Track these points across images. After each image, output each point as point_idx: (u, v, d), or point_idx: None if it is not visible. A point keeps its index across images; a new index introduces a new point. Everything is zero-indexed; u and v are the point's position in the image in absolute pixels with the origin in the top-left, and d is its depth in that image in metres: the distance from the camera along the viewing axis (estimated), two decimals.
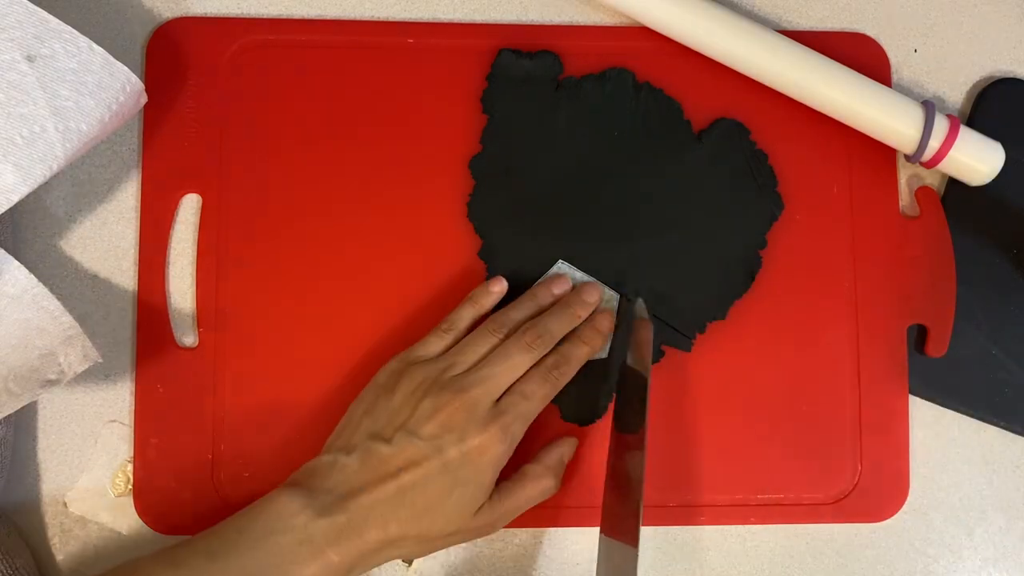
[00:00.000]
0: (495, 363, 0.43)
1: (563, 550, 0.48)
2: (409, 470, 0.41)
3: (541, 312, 0.46)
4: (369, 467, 0.41)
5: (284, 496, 0.40)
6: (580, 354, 0.45)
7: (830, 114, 0.48)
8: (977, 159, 0.47)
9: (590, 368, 0.47)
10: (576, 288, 0.47)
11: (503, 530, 0.47)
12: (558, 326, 0.45)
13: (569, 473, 0.47)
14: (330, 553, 0.39)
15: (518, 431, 0.42)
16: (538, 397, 0.43)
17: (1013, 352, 0.50)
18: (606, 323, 0.47)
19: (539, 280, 0.47)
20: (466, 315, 0.46)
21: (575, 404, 0.47)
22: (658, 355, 0.48)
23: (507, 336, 0.44)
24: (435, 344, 0.45)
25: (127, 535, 0.46)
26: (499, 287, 0.46)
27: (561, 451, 0.46)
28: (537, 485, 0.44)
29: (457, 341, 0.45)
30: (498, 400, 0.42)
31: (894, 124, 0.47)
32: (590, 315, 0.46)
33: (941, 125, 0.47)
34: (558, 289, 0.47)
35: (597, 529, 0.47)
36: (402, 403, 0.42)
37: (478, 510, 0.42)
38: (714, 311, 0.49)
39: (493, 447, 0.41)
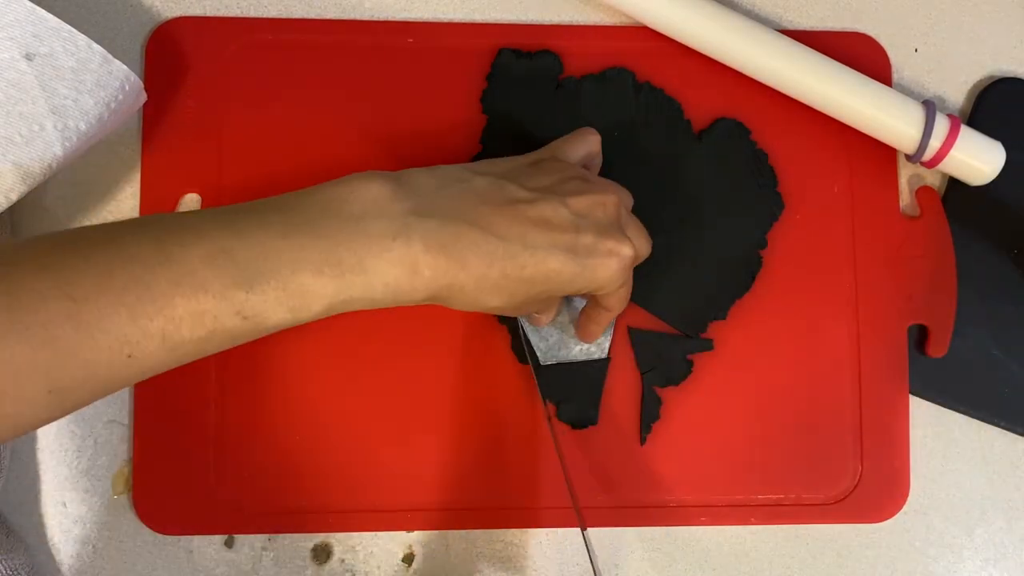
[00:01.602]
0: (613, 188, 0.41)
1: (563, 550, 0.48)
2: (540, 228, 0.37)
3: None
4: (497, 192, 0.37)
5: (378, 181, 0.36)
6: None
7: (830, 114, 0.48)
8: (978, 159, 0.47)
9: (590, 368, 0.47)
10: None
11: (503, 530, 0.47)
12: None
13: (568, 474, 0.47)
14: (422, 264, 0.35)
15: (628, 258, 0.39)
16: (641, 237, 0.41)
17: (1013, 352, 0.50)
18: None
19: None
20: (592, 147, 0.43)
21: (575, 407, 0.47)
22: (688, 367, 0.48)
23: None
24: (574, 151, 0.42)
25: (126, 535, 0.46)
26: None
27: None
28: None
29: None
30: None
31: (895, 124, 0.47)
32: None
33: (942, 125, 0.47)
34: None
35: (595, 529, 0.48)
36: (555, 171, 0.39)
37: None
38: (714, 311, 0.49)
39: (626, 258, 0.39)
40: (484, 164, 0.40)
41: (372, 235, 0.34)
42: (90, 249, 0.32)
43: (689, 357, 0.48)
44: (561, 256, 0.37)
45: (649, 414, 0.48)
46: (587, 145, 0.43)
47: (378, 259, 0.34)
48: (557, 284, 0.38)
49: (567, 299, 0.48)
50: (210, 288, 0.32)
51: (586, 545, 0.44)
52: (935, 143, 0.47)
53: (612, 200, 0.39)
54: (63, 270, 0.31)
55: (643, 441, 0.48)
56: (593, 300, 0.43)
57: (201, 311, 0.32)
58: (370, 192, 0.36)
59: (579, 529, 0.48)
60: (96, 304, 0.31)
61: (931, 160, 0.47)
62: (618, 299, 0.42)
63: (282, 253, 0.33)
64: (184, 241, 0.33)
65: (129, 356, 0.32)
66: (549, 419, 0.47)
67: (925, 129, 0.47)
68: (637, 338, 0.48)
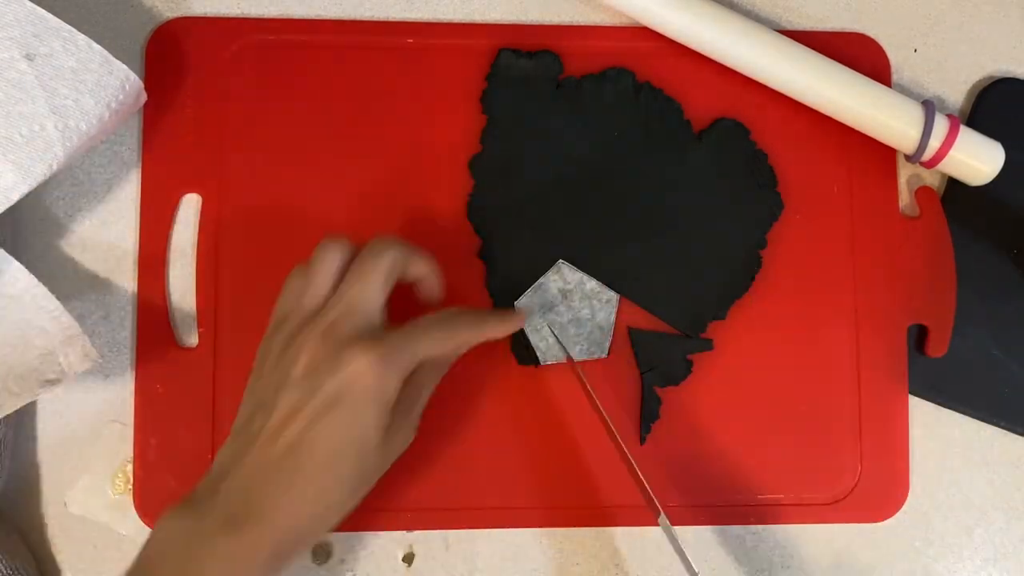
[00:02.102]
0: (352, 284, 0.39)
1: (563, 550, 0.48)
2: (290, 425, 0.37)
3: None
4: (251, 441, 0.37)
5: (163, 519, 0.37)
6: (487, 322, 0.43)
7: (830, 114, 0.48)
8: (977, 159, 0.47)
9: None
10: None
11: (503, 530, 0.47)
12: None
13: (568, 474, 0.47)
14: (241, 556, 0.35)
15: (404, 361, 0.38)
16: (427, 331, 0.40)
17: (1013, 352, 0.50)
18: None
19: (535, 284, 0.47)
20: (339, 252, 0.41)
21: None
22: (688, 367, 0.48)
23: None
24: (290, 292, 0.41)
25: (127, 535, 0.46)
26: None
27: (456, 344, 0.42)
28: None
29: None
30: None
31: (894, 124, 0.47)
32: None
33: (941, 125, 0.47)
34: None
35: (595, 529, 0.48)
36: (274, 362, 0.39)
37: (378, 449, 0.38)
38: (714, 311, 0.49)
39: (377, 372, 0.37)
40: (239, 413, 0.40)
41: (183, 566, 0.35)
42: None
43: (689, 357, 0.48)
44: (323, 426, 0.37)
45: (649, 414, 0.48)
46: (302, 280, 0.41)
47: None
48: (359, 435, 0.37)
49: (566, 298, 0.48)
50: None
51: (670, 538, 0.43)
52: (934, 143, 0.47)
53: (317, 338, 0.38)
54: None
55: (643, 441, 0.48)
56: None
57: None
58: (168, 534, 0.36)
59: (578, 529, 0.48)
60: None
61: (930, 160, 0.47)
62: (429, 345, 0.40)
63: None
64: None
65: None
66: (606, 421, 0.46)
67: (924, 129, 0.47)
68: (637, 338, 0.48)
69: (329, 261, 0.40)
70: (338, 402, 0.37)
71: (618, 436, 0.46)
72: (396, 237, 0.41)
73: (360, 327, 0.38)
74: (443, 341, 0.40)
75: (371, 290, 0.39)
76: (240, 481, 0.37)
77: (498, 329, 0.44)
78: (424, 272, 0.42)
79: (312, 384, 0.37)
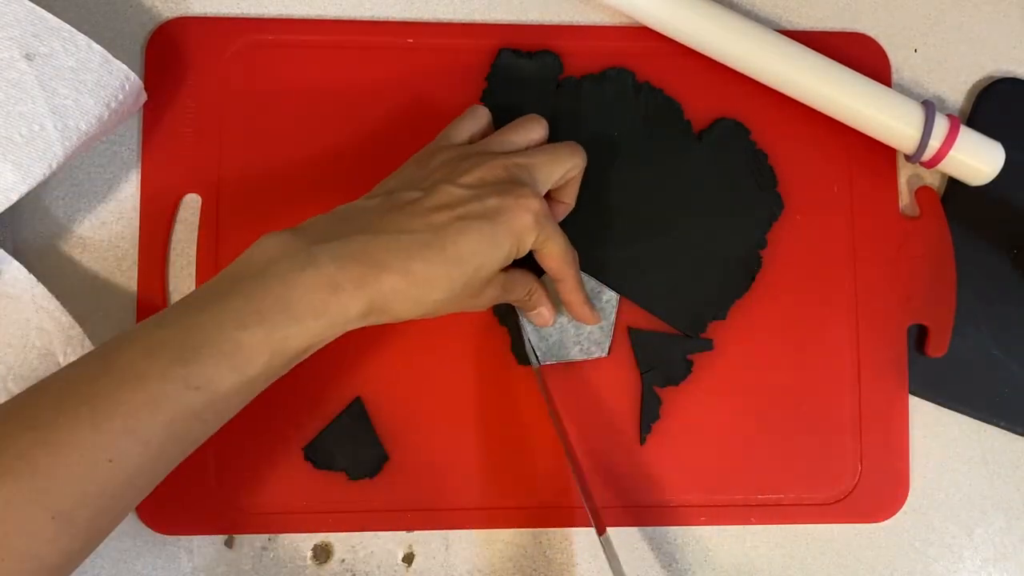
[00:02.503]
0: (543, 149, 0.43)
1: (563, 550, 0.48)
2: (442, 211, 0.38)
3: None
4: (391, 203, 0.39)
5: (275, 235, 0.37)
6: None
7: (830, 114, 0.48)
8: (977, 159, 0.47)
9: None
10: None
11: (503, 530, 0.47)
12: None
13: (568, 474, 0.47)
14: (340, 279, 0.36)
15: (546, 212, 0.41)
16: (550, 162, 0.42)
17: (1013, 352, 0.50)
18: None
19: None
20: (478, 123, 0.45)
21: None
22: (688, 366, 0.48)
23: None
24: (464, 126, 0.44)
25: (127, 535, 0.46)
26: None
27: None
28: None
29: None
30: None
31: (894, 124, 0.47)
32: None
33: (941, 125, 0.47)
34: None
35: (594, 529, 0.48)
36: (440, 165, 0.41)
37: (480, 288, 0.40)
38: (714, 311, 0.49)
39: (535, 204, 0.39)
40: (377, 187, 0.42)
41: (282, 274, 0.35)
42: (48, 383, 0.35)
43: (689, 357, 0.48)
44: (471, 225, 0.38)
45: (649, 414, 0.48)
46: (474, 122, 0.44)
47: (294, 291, 0.35)
48: (486, 256, 0.39)
49: None
50: (151, 374, 0.34)
51: (604, 550, 0.44)
52: (935, 143, 0.47)
53: (499, 163, 0.40)
54: (24, 407, 0.34)
55: (643, 441, 0.48)
56: (548, 275, 0.44)
57: (151, 397, 0.34)
58: (270, 244, 0.37)
59: (578, 529, 0.48)
60: (56, 426, 0.33)
61: (931, 160, 0.47)
62: (558, 257, 0.42)
63: (206, 324, 0.35)
64: (121, 347, 0.35)
65: (110, 461, 0.33)
66: (557, 422, 0.47)
67: (925, 129, 0.47)
68: (637, 338, 0.48)
69: (529, 128, 0.43)
70: (495, 218, 0.39)
71: (567, 443, 0.46)
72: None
73: (531, 185, 0.41)
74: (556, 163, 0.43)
75: (552, 170, 0.42)
76: (368, 231, 0.37)
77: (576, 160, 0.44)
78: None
79: (480, 192, 0.39)
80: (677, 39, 0.48)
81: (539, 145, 0.44)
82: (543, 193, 0.42)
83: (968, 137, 0.47)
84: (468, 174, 0.40)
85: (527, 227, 0.40)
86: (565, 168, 0.43)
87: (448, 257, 0.38)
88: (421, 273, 0.37)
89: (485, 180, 0.40)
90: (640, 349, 0.48)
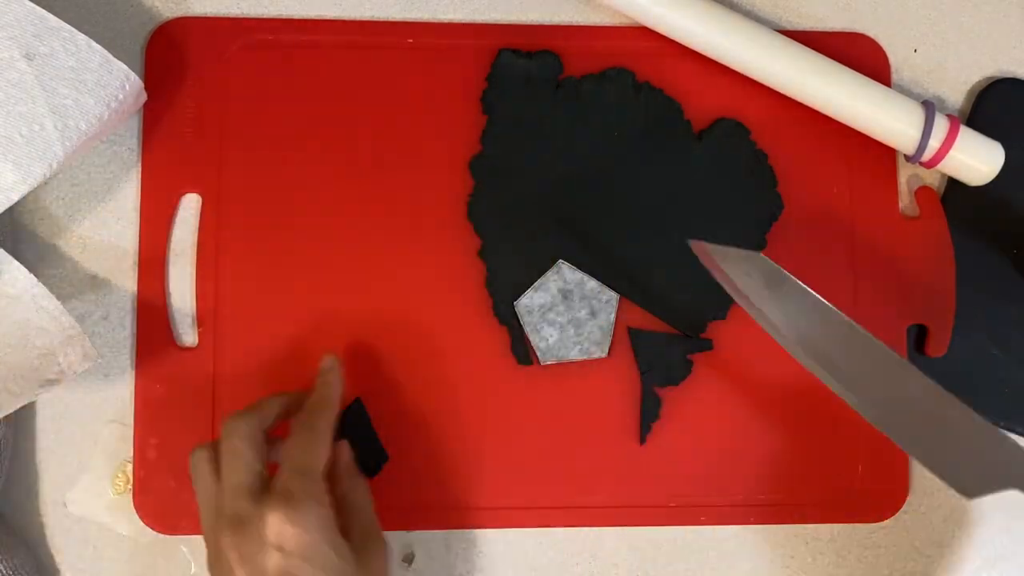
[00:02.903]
0: (225, 470, 0.39)
1: (563, 550, 0.48)
2: None
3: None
4: None
5: None
6: (321, 394, 0.42)
7: (830, 114, 0.48)
8: (977, 159, 0.47)
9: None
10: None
11: (503, 530, 0.47)
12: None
13: (568, 473, 0.47)
14: None
15: (305, 486, 0.37)
16: (299, 450, 0.39)
17: (1013, 352, 0.50)
18: (329, 361, 0.44)
19: (535, 284, 0.47)
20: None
21: None
22: (688, 366, 0.48)
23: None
24: (202, 491, 0.40)
25: (127, 535, 0.46)
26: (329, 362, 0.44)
27: (343, 463, 0.42)
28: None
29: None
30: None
31: (894, 124, 0.47)
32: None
33: (941, 125, 0.47)
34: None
35: (595, 529, 0.48)
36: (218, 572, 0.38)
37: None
38: (714, 311, 0.49)
39: (292, 515, 0.36)
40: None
41: None
42: None
43: (689, 357, 0.48)
44: None
45: (649, 414, 0.48)
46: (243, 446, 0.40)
47: None
48: (333, 569, 0.36)
49: (566, 298, 0.48)
50: None
51: None
52: (934, 143, 0.47)
53: (233, 516, 0.37)
54: None
55: (643, 441, 0.48)
56: None
57: None
58: None
59: (578, 528, 0.48)
60: None
61: (930, 160, 0.47)
62: (309, 459, 0.39)
63: None
64: None
65: None
66: None
67: (924, 129, 0.47)
68: (637, 338, 0.48)
69: (200, 469, 0.39)
70: (291, 566, 0.36)
71: None
72: (242, 413, 0.41)
73: (254, 498, 0.37)
74: (314, 444, 0.40)
75: (244, 464, 0.38)
76: None
77: (329, 392, 0.43)
78: (286, 403, 0.43)
79: (257, 571, 0.36)
80: (677, 39, 0.48)
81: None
82: (259, 478, 0.38)
83: (968, 137, 0.47)
84: (236, 564, 0.36)
85: (301, 531, 0.36)
86: (242, 459, 0.38)
87: None
88: None
89: (243, 551, 0.36)
90: (640, 349, 0.48)
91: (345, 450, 0.43)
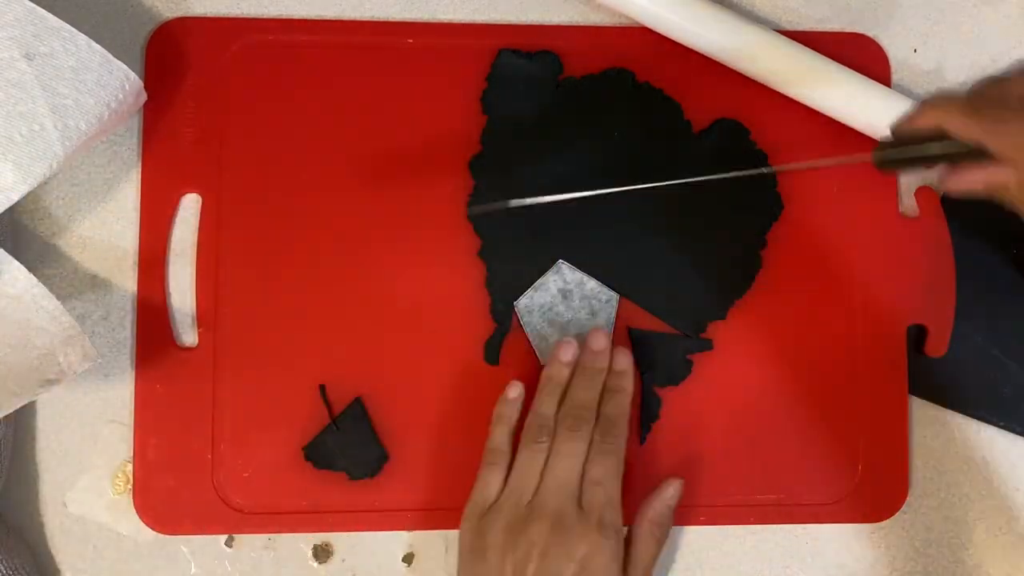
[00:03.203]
0: (554, 468, 0.42)
1: None
2: None
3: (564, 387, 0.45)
4: None
5: None
6: (620, 407, 0.45)
7: (830, 114, 0.48)
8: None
9: None
10: (584, 345, 0.46)
11: None
12: (588, 395, 0.44)
13: None
14: None
15: (612, 518, 0.42)
16: (609, 475, 0.42)
17: (1013, 352, 0.50)
18: (623, 360, 0.46)
19: (535, 284, 0.47)
20: (503, 437, 0.45)
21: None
22: (688, 366, 0.48)
23: (551, 435, 0.43)
24: (492, 482, 0.44)
25: (127, 535, 0.46)
26: (516, 392, 0.46)
27: (663, 499, 0.45)
28: (647, 547, 0.43)
29: (509, 466, 0.44)
30: (580, 499, 0.42)
31: None
32: (612, 363, 0.46)
33: None
34: (568, 356, 0.45)
35: None
36: (498, 561, 0.41)
37: None
38: (714, 311, 0.49)
39: (599, 547, 0.40)
40: None
41: None
42: None
43: (689, 357, 0.48)
44: None
45: (649, 414, 0.48)
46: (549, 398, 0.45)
47: None
48: None
49: (566, 298, 0.48)
50: None
51: None
52: None
53: (548, 523, 0.41)
54: None
55: (643, 440, 0.48)
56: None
57: None
58: None
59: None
60: None
61: None
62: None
63: None
64: None
65: None
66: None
67: None
68: (637, 338, 0.48)
69: (537, 459, 0.43)
70: None
71: None
72: (587, 399, 0.44)
73: (576, 503, 0.41)
74: (619, 469, 0.43)
75: (578, 466, 0.43)
76: None
77: (627, 404, 0.45)
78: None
79: (552, 572, 0.40)
80: (677, 39, 0.48)
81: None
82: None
83: None
84: (530, 562, 0.40)
85: (607, 563, 0.41)
86: (581, 460, 0.43)
87: None
88: None
89: (546, 554, 0.40)
90: (640, 349, 0.48)
91: (672, 495, 0.45)
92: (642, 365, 0.48)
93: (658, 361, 0.48)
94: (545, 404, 0.44)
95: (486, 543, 0.41)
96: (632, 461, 0.48)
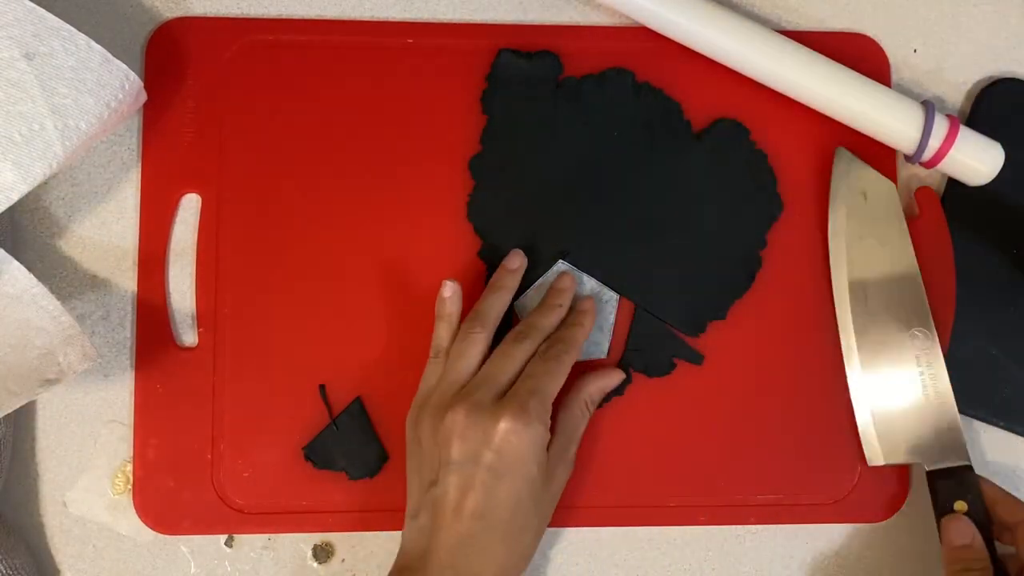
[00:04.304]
0: (488, 365, 0.43)
1: (563, 550, 0.48)
2: (468, 496, 0.40)
3: None
4: (436, 515, 0.41)
5: None
6: (571, 333, 0.45)
7: (830, 114, 0.48)
8: (977, 159, 0.47)
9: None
10: (551, 285, 0.47)
11: None
12: (542, 320, 0.45)
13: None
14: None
15: (537, 408, 0.42)
16: (544, 374, 0.43)
17: (1013, 352, 0.50)
18: (587, 303, 0.47)
19: (534, 284, 0.47)
20: (444, 333, 0.45)
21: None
22: (669, 367, 0.48)
23: (486, 329, 0.44)
24: (430, 376, 0.45)
25: (126, 535, 0.46)
26: (449, 291, 0.45)
27: (602, 382, 0.46)
28: (572, 418, 0.45)
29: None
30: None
31: (894, 124, 0.47)
32: (576, 303, 0.47)
33: (941, 125, 0.47)
34: (514, 264, 0.46)
35: (595, 529, 0.48)
36: (430, 443, 0.42)
37: (545, 489, 0.42)
38: (714, 311, 0.49)
39: (520, 429, 0.40)
40: (409, 476, 0.44)
41: None
42: None
43: (675, 360, 0.48)
44: (501, 487, 0.41)
45: (615, 389, 0.47)
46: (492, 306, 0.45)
47: None
48: (536, 484, 0.42)
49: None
50: None
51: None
52: (934, 143, 0.47)
53: (470, 406, 0.41)
54: None
55: (599, 406, 0.47)
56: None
57: None
58: None
59: (579, 528, 0.48)
60: None
61: (930, 160, 0.47)
62: (548, 383, 0.43)
63: None
64: None
65: None
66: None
67: (924, 129, 0.47)
68: (640, 318, 0.48)
69: (475, 353, 0.44)
70: (501, 467, 0.41)
71: None
72: (541, 322, 0.45)
73: (498, 396, 0.42)
74: (557, 375, 0.43)
75: (510, 369, 0.43)
76: (443, 557, 0.40)
77: (580, 336, 0.46)
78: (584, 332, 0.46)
79: (472, 459, 0.41)
80: (677, 39, 0.48)
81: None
82: (508, 385, 0.43)
83: (968, 137, 0.47)
84: (450, 444, 0.41)
85: (525, 441, 0.41)
86: (518, 363, 0.44)
87: (507, 522, 0.41)
88: (506, 553, 0.42)
89: (466, 439, 0.41)
90: (637, 328, 0.48)
91: (611, 380, 0.47)
92: (630, 342, 0.48)
93: (647, 347, 0.48)
94: (485, 303, 0.45)
95: (419, 432, 0.43)
96: (632, 461, 0.48)
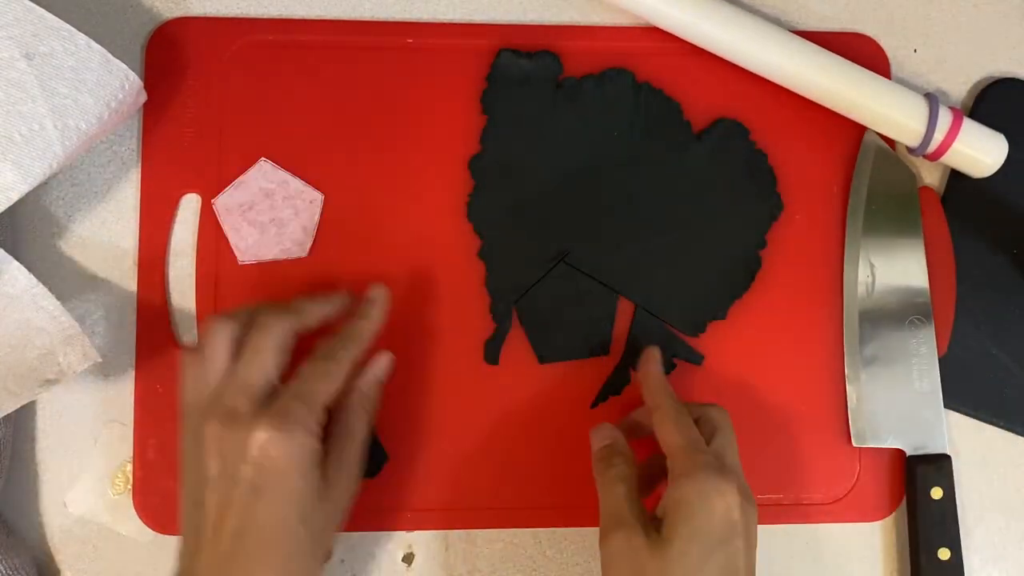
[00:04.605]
0: (243, 362, 0.39)
1: (563, 550, 0.48)
2: (227, 515, 0.37)
3: None
4: (199, 535, 0.37)
5: None
6: (358, 327, 0.43)
7: (833, 107, 0.48)
8: (981, 151, 0.47)
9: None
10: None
11: (503, 530, 0.47)
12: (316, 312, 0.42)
13: (567, 472, 0.47)
14: None
15: (300, 413, 0.38)
16: (312, 375, 0.39)
17: (1013, 352, 0.50)
18: (378, 292, 0.44)
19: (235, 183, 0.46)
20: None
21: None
22: (669, 367, 0.48)
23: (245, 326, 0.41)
24: (187, 380, 0.41)
25: (126, 535, 0.46)
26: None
27: (373, 372, 0.43)
28: (356, 417, 0.41)
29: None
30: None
31: (898, 116, 0.47)
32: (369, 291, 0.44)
33: (945, 117, 0.47)
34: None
35: (595, 529, 0.47)
36: (192, 462, 0.39)
37: (320, 504, 0.38)
38: (714, 311, 0.49)
39: (280, 439, 0.37)
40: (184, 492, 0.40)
41: None
42: None
43: (674, 360, 0.48)
44: (261, 505, 0.37)
45: (612, 387, 0.47)
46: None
47: None
48: (296, 499, 0.37)
49: (268, 198, 0.47)
50: None
51: None
52: (939, 136, 0.47)
53: (223, 416, 0.38)
54: None
55: (593, 406, 0.47)
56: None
57: None
58: None
59: (578, 528, 0.48)
60: None
61: (934, 152, 0.47)
62: (319, 386, 0.40)
63: None
64: None
65: None
66: None
67: (929, 122, 0.47)
68: (642, 318, 0.48)
69: (219, 344, 0.40)
70: (261, 483, 0.37)
71: None
72: (283, 307, 0.41)
73: (256, 403, 0.38)
74: (329, 375, 0.40)
75: (262, 365, 0.39)
76: (212, 566, 0.37)
77: (366, 328, 0.43)
78: (328, 312, 0.43)
79: (230, 475, 0.37)
80: (676, 33, 0.48)
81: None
82: (270, 388, 0.39)
83: (971, 129, 0.47)
84: (208, 460, 0.37)
85: (286, 454, 0.37)
86: (270, 354, 0.39)
87: (269, 542, 0.37)
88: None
89: (223, 454, 0.37)
90: (638, 327, 0.48)
91: (380, 366, 0.44)
92: (630, 340, 0.48)
93: (643, 346, 0.48)
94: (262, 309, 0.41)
95: (184, 442, 0.40)
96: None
